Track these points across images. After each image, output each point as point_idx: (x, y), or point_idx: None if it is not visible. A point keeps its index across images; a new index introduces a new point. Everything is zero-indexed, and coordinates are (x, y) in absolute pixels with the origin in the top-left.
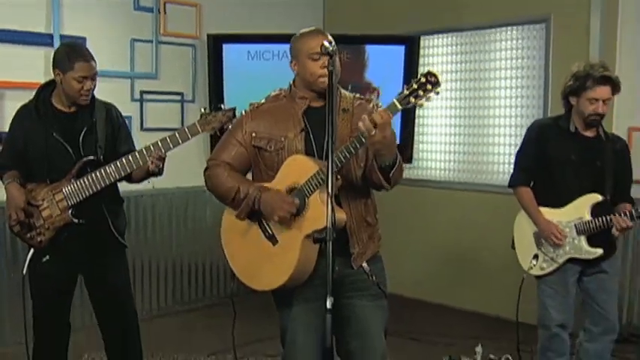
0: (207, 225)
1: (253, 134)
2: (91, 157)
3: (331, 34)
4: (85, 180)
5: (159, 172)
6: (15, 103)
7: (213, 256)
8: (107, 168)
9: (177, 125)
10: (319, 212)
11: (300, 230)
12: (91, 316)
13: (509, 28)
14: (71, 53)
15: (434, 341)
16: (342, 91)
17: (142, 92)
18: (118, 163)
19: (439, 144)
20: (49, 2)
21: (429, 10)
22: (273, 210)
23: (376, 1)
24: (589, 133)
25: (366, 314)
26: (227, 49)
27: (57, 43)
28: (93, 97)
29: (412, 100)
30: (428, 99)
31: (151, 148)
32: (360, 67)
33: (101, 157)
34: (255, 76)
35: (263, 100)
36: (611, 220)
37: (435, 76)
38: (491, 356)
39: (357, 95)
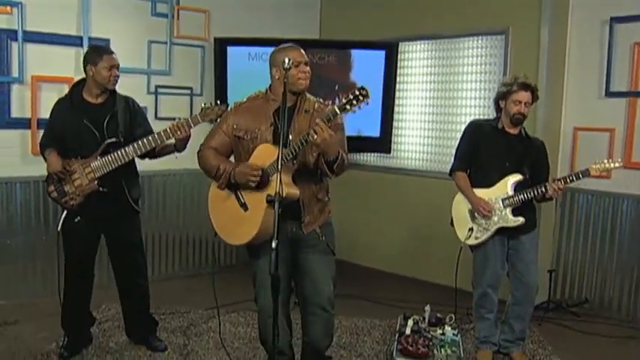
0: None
1: (235, 126)
2: (114, 139)
3: (323, 40)
4: (109, 157)
5: (183, 148)
6: (50, 94)
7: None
8: (126, 148)
9: (187, 115)
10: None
11: (263, 200)
12: (107, 274)
13: (475, 37)
14: (99, 50)
15: (393, 305)
16: (308, 95)
17: (157, 86)
18: (135, 145)
19: (414, 137)
20: (79, 8)
21: (407, 20)
22: (246, 178)
23: (362, 11)
24: (513, 131)
25: (316, 265)
26: (231, 50)
27: (85, 44)
28: (115, 91)
29: (348, 107)
30: (360, 107)
31: (161, 133)
32: (346, 69)
33: (122, 139)
34: (254, 75)
35: (244, 99)
36: (530, 193)
37: (365, 90)
38: (439, 315)
39: (320, 100)
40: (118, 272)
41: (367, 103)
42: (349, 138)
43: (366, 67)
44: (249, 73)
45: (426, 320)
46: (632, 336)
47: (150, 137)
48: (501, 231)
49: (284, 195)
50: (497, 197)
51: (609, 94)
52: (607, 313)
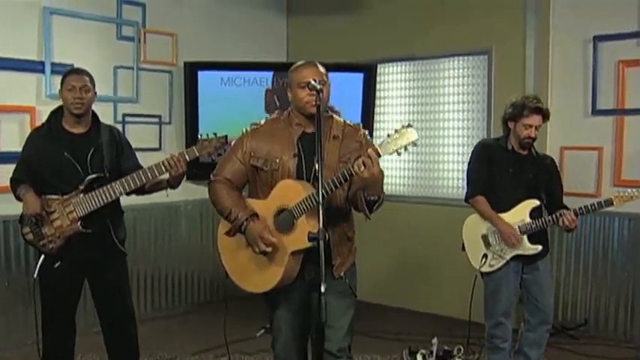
0: (182, 238)
1: (252, 153)
2: (98, 174)
3: (287, 62)
4: (93, 194)
5: (177, 184)
6: (10, 125)
7: (188, 267)
8: (113, 185)
9: (155, 145)
10: (304, 234)
11: (287, 247)
12: (84, 320)
13: (456, 58)
14: (68, 71)
15: (395, 338)
16: (335, 117)
17: (124, 115)
18: (124, 181)
19: (396, 162)
20: (40, 31)
21: (385, 41)
22: (255, 242)
23: (336, 33)
24: (523, 152)
25: (336, 308)
26: (202, 75)
27: (48, 70)
28: (98, 120)
29: (393, 148)
30: (405, 149)
31: (153, 168)
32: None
33: (107, 174)
34: (228, 101)
35: (263, 121)
36: (549, 220)
37: (410, 128)
38: (446, 347)
39: (347, 122)
40: (106, 320)
41: (415, 145)
42: None
43: (343, 90)
44: (222, 99)
45: (434, 354)
46: (632, 357)
47: (140, 172)
48: (516, 257)
49: (311, 245)
50: (513, 223)
51: (596, 112)
52: (604, 334)
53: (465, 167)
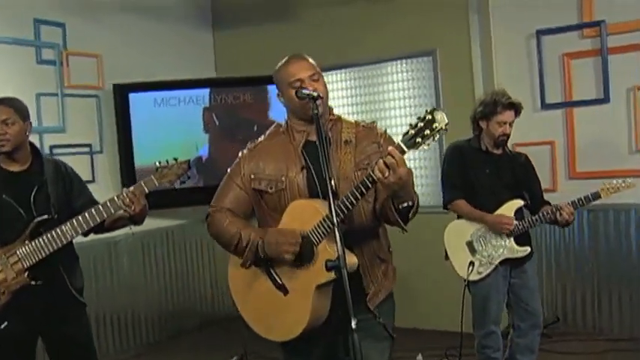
0: (125, 275)
1: (252, 176)
2: (45, 217)
3: (224, 77)
4: (40, 240)
5: (141, 220)
6: None
7: (135, 306)
8: (63, 227)
9: (88, 177)
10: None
11: (310, 280)
12: None
13: (399, 61)
14: None
15: None
16: (345, 118)
17: (51, 147)
18: (76, 222)
19: None
20: None
21: (323, 49)
22: (280, 249)
23: (267, 44)
24: (497, 151)
25: (367, 356)
26: (133, 97)
27: None
28: (39, 153)
29: (419, 140)
30: (434, 138)
31: (108, 204)
32: (264, 107)
33: (55, 215)
34: (164, 123)
35: (261, 138)
36: (537, 219)
37: (439, 112)
38: None
39: (359, 121)
40: None
41: (446, 131)
42: None
43: None
44: (157, 122)
45: None
46: (608, 349)
47: (93, 211)
48: (504, 262)
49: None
50: None
51: (545, 106)
52: (574, 329)
53: (419, 172)
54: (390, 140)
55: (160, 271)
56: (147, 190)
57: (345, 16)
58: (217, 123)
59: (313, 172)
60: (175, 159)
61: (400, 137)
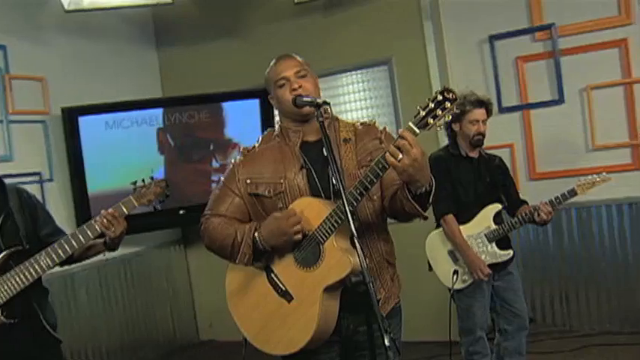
0: (84, 309)
1: (248, 181)
2: (19, 248)
3: (178, 96)
4: (13, 274)
5: (117, 245)
6: None
7: (95, 342)
8: (38, 258)
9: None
10: (337, 259)
11: (318, 282)
12: None
13: (354, 72)
14: None
15: None
16: (341, 118)
17: None
18: (51, 251)
19: None
20: None
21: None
22: (283, 231)
23: (215, 60)
24: (473, 154)
25: None
26: (83, 121)
27: None
28: (1, 182)
29: (430, 121)
30: (446, 117)
31: (86, 230)
32: (219, 125)
33: (26, 246)
34: (116, 146)
35: (254, 144)
36: (517, 222)
37: (452, 92)
38: None
39: (357, 121)
40: None
41: (458, 111)
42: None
43: (240, 119)
44: (110, 145)
45: None
46: (580, 346)
47: (70, 238)
48: (488, 266)
49: (349, 270)
50: (479, 233)
51: (502, 110)
52: (546, 328)
53: None
54: (390, 137)
55: (119, 301)
56: (126, 212)
57: (297, 29)
58: (172, 143)
59: (313, 171)
60: (152, 178)
61: (414, 117)
